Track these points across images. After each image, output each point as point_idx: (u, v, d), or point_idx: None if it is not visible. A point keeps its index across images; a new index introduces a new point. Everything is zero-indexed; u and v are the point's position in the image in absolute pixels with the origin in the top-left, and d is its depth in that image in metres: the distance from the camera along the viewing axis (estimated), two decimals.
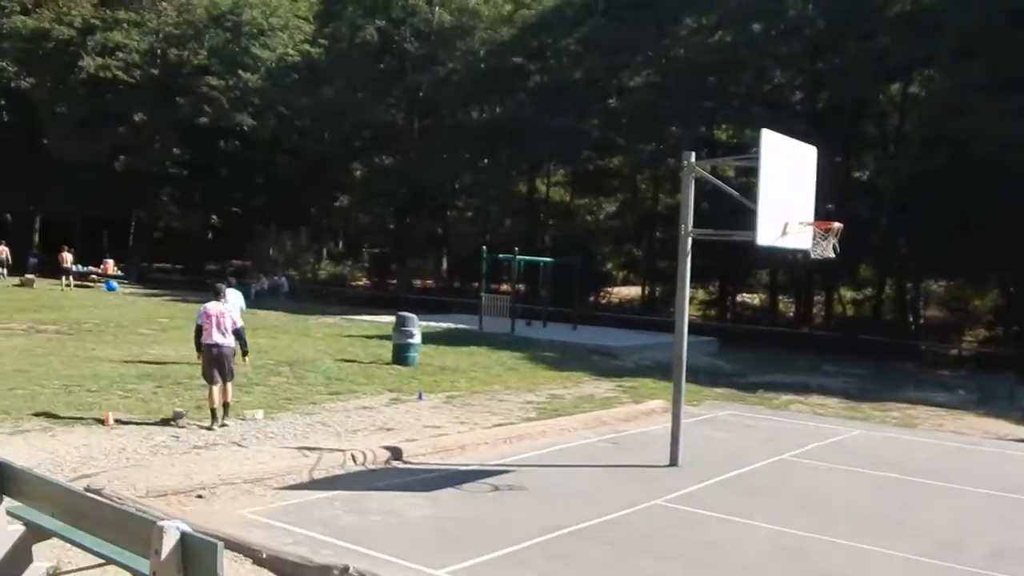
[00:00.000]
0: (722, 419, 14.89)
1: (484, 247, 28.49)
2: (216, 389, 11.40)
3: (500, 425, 12.73)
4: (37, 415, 11.27)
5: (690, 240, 10.85)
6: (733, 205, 10.73)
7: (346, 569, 6.18)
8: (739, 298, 36.71)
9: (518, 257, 26.94)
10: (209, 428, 11.15)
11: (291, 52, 42.47)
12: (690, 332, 11.43)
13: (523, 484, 9.67)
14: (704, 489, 9.86)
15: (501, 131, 37.67)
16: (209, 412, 11.40)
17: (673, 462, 10.89)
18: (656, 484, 9.93)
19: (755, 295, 37.44)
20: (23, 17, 44.29)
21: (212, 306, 11.69)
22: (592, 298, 36.67)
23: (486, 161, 40.29)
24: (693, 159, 10.86)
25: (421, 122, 42.89)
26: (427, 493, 9.06)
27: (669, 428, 11.15)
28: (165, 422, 11.37)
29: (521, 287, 29.55)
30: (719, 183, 11.75)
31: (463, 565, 6.99)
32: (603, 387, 17.40)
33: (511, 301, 27.24)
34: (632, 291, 40.27)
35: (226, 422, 11.43)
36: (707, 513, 8.91)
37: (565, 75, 38.50)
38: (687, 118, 32.66)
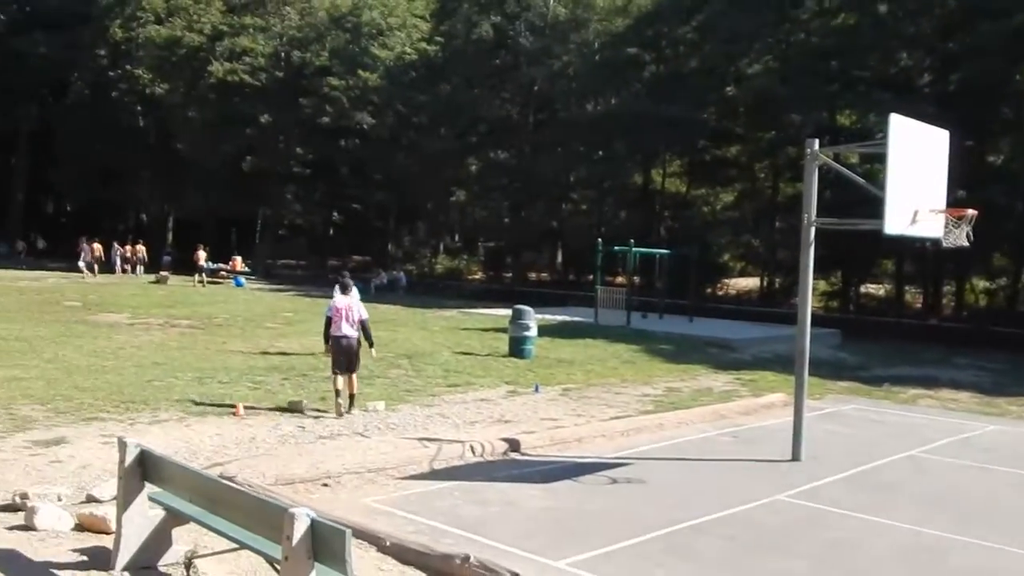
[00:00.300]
0: (846, 413, 14.46)
1: (599, 239, 28.42)
2: (342, 379, 11.92)
3: (617, 418, 12.68)
4: (173, 405, 11.84)
5: (813, 230, 10.57)
6: (858, 193, 10.39)
7: (467, 558, 6.26)
8: (863, 289, 35.51)
9: (633, 249, 26.73)
10: (338, 415, 11.58)
11: (409, 51, 43.16)
12: (812, 324, 11.13)
13: (641, 477, 9.62)
14: (828, 485, 9.60)
15: (616, 123, 37.34)
16: (334, 401, 11.83)
17: (795, 457, 10.64)
18: (778, 479, 9.74)
19: (880, 285, 36.07)
20: (157, 26, 46.44)
21: (340, 300, 12.25)
22: (709, 290, 36.08)
23: (601, 153, 40.03)
24: (817, 146, 10.57)
25: (535, 116, 43.02)
26: (545, 485, 9.11)
27: (790, 422, 10.90)
28: (291, 412, 11.78)
29: (637, 279, 29.32)
30: (843, 170, 11.43)
31: (582, 557, 7.00)
32: (721, 380, 17.13)
33: (627, 293, 27.04)
34: (750, 282, 39.44)
35: (352, 412, 11.83)
36: (831, 509, 8.68)
37: (681, 64, 38.00)
38: (808, 104, 31.66)
